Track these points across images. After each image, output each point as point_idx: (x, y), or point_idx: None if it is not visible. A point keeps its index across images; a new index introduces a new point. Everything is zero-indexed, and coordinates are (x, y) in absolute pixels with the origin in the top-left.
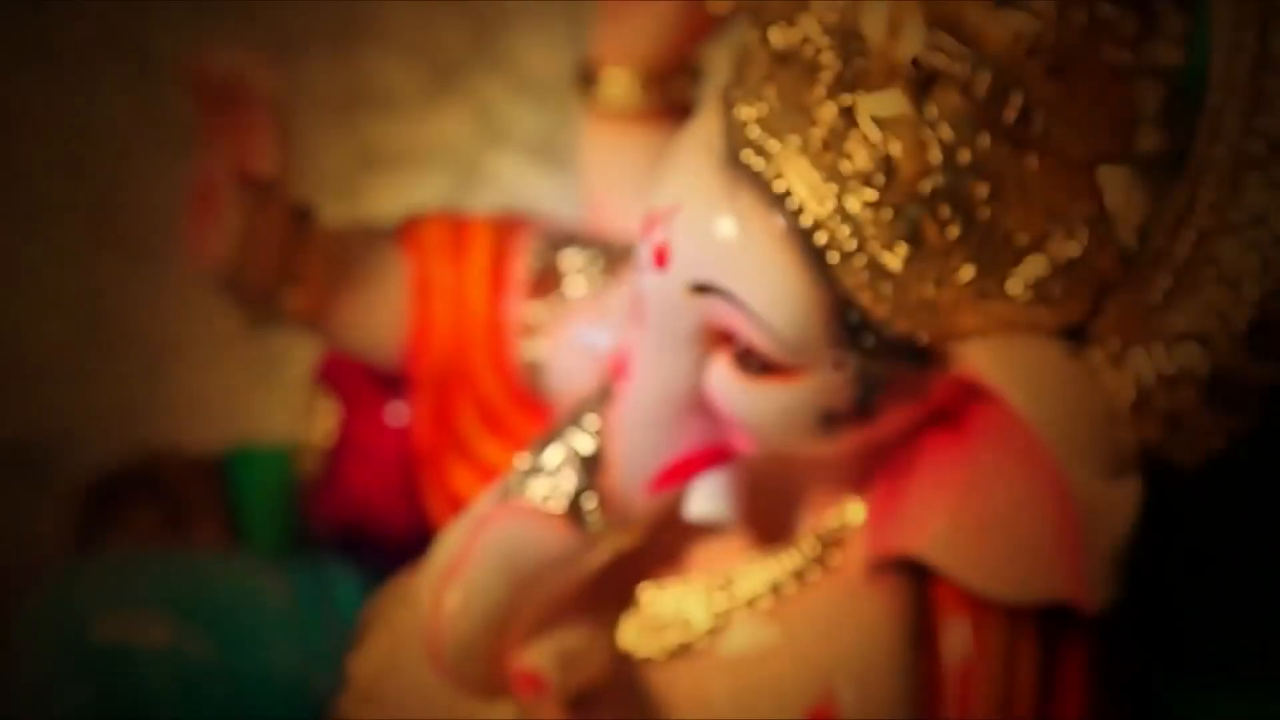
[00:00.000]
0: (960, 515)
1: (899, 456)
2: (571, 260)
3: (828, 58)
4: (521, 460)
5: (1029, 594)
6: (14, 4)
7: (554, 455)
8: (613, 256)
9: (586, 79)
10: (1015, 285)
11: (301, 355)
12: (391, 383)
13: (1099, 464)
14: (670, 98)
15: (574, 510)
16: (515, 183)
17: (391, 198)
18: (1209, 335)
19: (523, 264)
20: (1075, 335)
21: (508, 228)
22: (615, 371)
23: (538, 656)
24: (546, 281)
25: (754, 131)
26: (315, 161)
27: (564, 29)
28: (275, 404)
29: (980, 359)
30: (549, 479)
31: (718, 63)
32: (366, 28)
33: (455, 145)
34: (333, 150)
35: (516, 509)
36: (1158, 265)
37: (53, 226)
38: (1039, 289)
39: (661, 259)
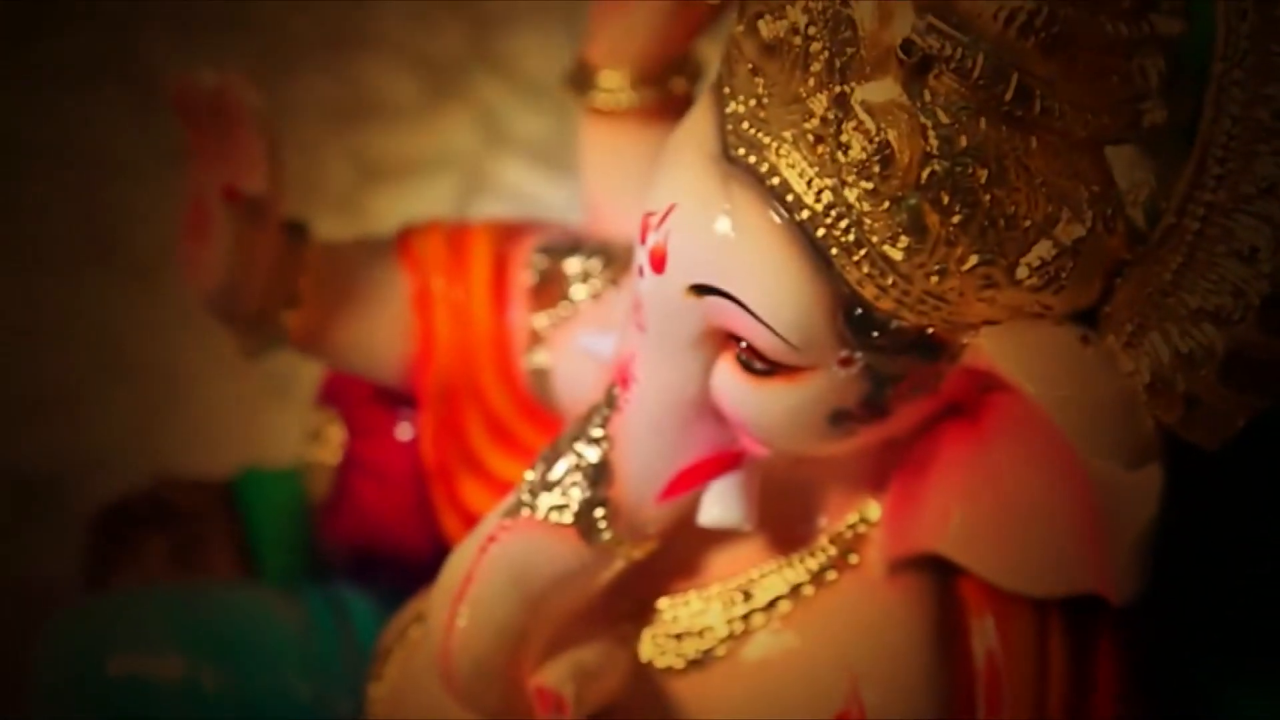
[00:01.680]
0: (979, 509)
1: (914, 452)
2: (575, 266)
3: (817, 47)
4: (529, 473)
5: (1054, 586)
6: (13, 31)
7: (561, 467)
8: (618, 261)
9: (580, 81)
10: (1023, 271)
11: (310, 375)
12: (398, 399)
13: (1118, 450)
14: (667, 96)
15: (584, 522)
16: (521, 188)
17: (396, 209)
18: (1224, 312)
19: (525, 272)
20: (1087, 320)
21: (508, 235)
22: (619, 379)
23: (554, 674)
24: (550, 289)
25: (745, 126)
26: (317, 175)
27: (564, 29)
28: (286, 425)
29: (992, 349)
30: (557, 491)
31: (716, 58)
32: (363, 36)
33: (458, 152)
34: (334, 163)
35: (524, 524)
36: (1168, 243)
37: (57, 255)
38: (1047, 273)
39: (658, 262)
